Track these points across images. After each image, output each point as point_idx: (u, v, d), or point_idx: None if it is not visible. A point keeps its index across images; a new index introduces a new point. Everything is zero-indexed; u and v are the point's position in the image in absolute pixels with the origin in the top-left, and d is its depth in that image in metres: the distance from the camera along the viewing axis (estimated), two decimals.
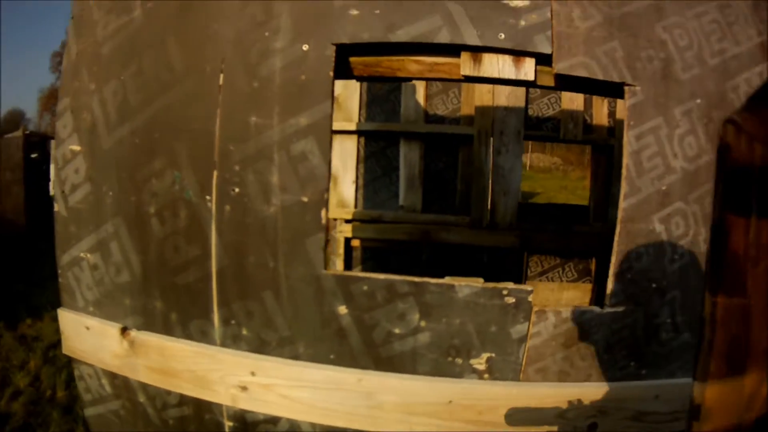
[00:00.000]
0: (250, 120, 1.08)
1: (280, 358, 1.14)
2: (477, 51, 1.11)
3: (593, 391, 1.17)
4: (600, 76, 1.13)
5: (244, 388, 1.14)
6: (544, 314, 1.14)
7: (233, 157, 1.09)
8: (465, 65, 1.11)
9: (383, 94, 2.69)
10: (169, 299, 1.14)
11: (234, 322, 1.13)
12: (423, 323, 1.13)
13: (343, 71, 1.14)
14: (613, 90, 1.18)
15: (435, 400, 1.14)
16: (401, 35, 1.08)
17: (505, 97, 2.37)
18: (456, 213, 2.63)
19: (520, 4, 1.10)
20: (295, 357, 1.14)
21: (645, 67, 1.16)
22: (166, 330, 1.15)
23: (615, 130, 2.74)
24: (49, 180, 11.14)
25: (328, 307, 1.12)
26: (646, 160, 1.16)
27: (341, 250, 2.28)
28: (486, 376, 1.16)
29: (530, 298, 1.13)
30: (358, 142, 2.43)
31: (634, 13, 1.16)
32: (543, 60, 1.13)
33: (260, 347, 1.14)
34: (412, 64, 1.13)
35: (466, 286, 1.12)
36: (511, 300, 1.13)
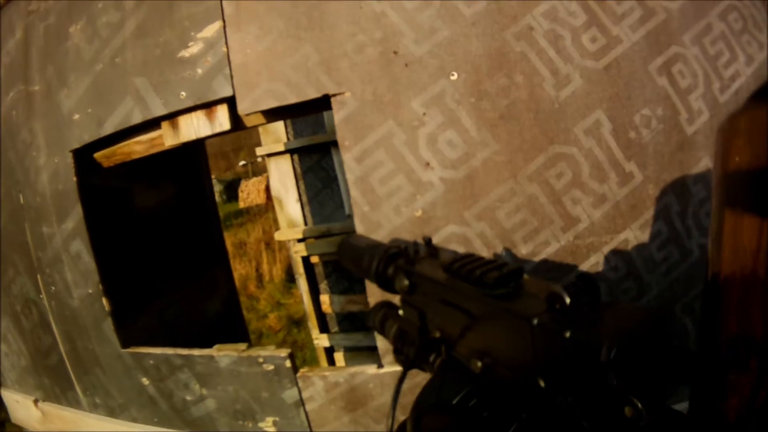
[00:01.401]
0: (43, 230, 1.26)
1: (125, 421, 1.32)
2: (172, 117, 1.04)
3: None
4: (293, 99, 0.93)
5: None
6: (310, 380, 1.03)
7: (43, 262, 1.29)
8: (166, 136, 1.05)
9: None
10: (51, 377, 1.43)
11: (89, 393, 1.36)
12: (204, 391, 1.15)
13: (94, 168, 1.21)
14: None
15: None
16: (108, 128, 1.09)
17: None
18: None
19: (195, 50, 0.99)
20: (134, 420, 1.31)
21: (354, 62, 0.90)
22: (57, 400, 1.45)
23: None
24: None
25: (136, 379, 1.24)
26: (380, 184, 0.92)
27: (301, 270, 2.31)
28: None
29: (288, 364, 1.04)
30: (293, 160, 2.39)
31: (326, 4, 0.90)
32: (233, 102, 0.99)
33: (111, 412, 1.34)
34: (137, 146, 1.13)
35: (225, 355, 1.09)
36: (269, 367, 1.05)
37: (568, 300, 0.32)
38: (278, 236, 2.44)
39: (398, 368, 0.99)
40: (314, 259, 2.37)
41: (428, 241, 0.53)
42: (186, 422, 1.22)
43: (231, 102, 1.00)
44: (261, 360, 1.06)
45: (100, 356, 1.28)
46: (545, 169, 0.93)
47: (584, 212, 0.95)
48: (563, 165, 0.93)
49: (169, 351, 1.17)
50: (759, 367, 0.34)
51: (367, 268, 0.55)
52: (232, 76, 0.96)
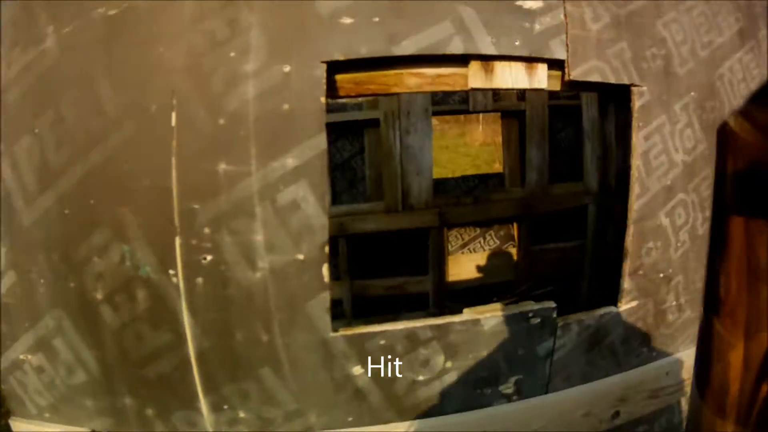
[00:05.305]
0: (219, 168, 0.83)
1: None
2: (489, 60, 0.94)
3: (615, 383, 1.22)
4: (613, 80, 1.05)
5: None
6: (568, 327, 1.12)
7: (200, 218, 0.84)
8: (475, 77, 0.94)
9: None
10: (142, 393, 0.91)
11: (227, 407, 0.95)
12: (449, 364, 1.05)
13: (327, 92, 0.91)
14: (615, 91, 1.11)
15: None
16: (407, 47, 0.87)
17: None
18: (368, 200, 2.53)
19: (534, 5, 0.94)
20: (308, 428, 1.00)
21: (650, 66, 1.10)
22: (144, 426, 0.93)
23: (525, 94, 2.63)
24: None
25: (340, 372, 0.98)
26: (654, 159, 1.14)
27: None
28: (515, 398, 1.13)
29: (555, 314, 1.10)
30: None
31: (638, 11, 1.09)
32: (552, 64, 1.01)
33: (264, 426, 0.98)
34: (411, 78, 0.94)
35: (492, 317, 1.04)
36: (536, 321, 1.08)
37: None
38: None
39: (632, 304, 1.19)
40: None
41: None
42: (400, 411, 1.04)
43: (554, 65, 0.99)
44: (531, 315, 1.07)
45: (283, 350, 0.93)
46: None
47: None
48: None
49: (417, 324, 0.99)
50: (758, 374, 0.33)
51: None
52: (567, 43, 0.97)
